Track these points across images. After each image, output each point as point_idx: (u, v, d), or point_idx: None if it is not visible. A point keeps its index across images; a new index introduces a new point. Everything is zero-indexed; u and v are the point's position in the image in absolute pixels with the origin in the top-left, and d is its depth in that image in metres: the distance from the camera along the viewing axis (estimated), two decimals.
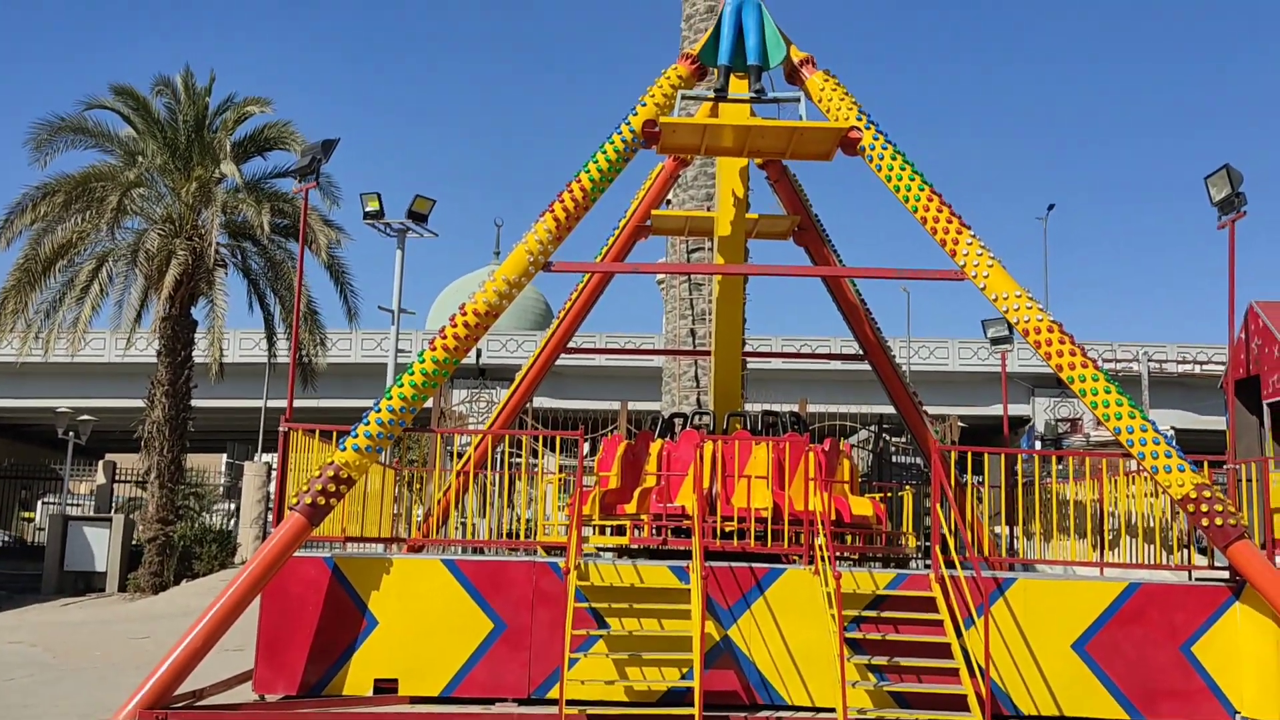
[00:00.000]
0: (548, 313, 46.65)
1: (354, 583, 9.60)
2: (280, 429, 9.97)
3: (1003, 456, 11.28)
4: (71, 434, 28.28)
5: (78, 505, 33.11)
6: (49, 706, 9.04)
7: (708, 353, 15.12)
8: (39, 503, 45.32)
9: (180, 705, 8.78)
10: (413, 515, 12.30)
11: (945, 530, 9.50)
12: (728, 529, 10.29)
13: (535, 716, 8.70)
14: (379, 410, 9.78)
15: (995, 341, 16.19)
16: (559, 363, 15.66)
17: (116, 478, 29.04)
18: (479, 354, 38.67)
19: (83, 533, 23.93)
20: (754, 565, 9.68)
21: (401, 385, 9.88)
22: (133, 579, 22.55)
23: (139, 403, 24.19)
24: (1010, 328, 14.06)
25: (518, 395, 14.37)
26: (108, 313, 23.59)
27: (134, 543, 24.25)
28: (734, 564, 9.68)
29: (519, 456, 14.79)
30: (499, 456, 13.90)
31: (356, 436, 9.66)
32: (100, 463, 29.56)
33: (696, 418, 12.26)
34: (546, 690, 9.31)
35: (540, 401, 25.06)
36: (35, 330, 23.11)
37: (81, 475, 33.42)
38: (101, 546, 23.59)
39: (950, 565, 9.32)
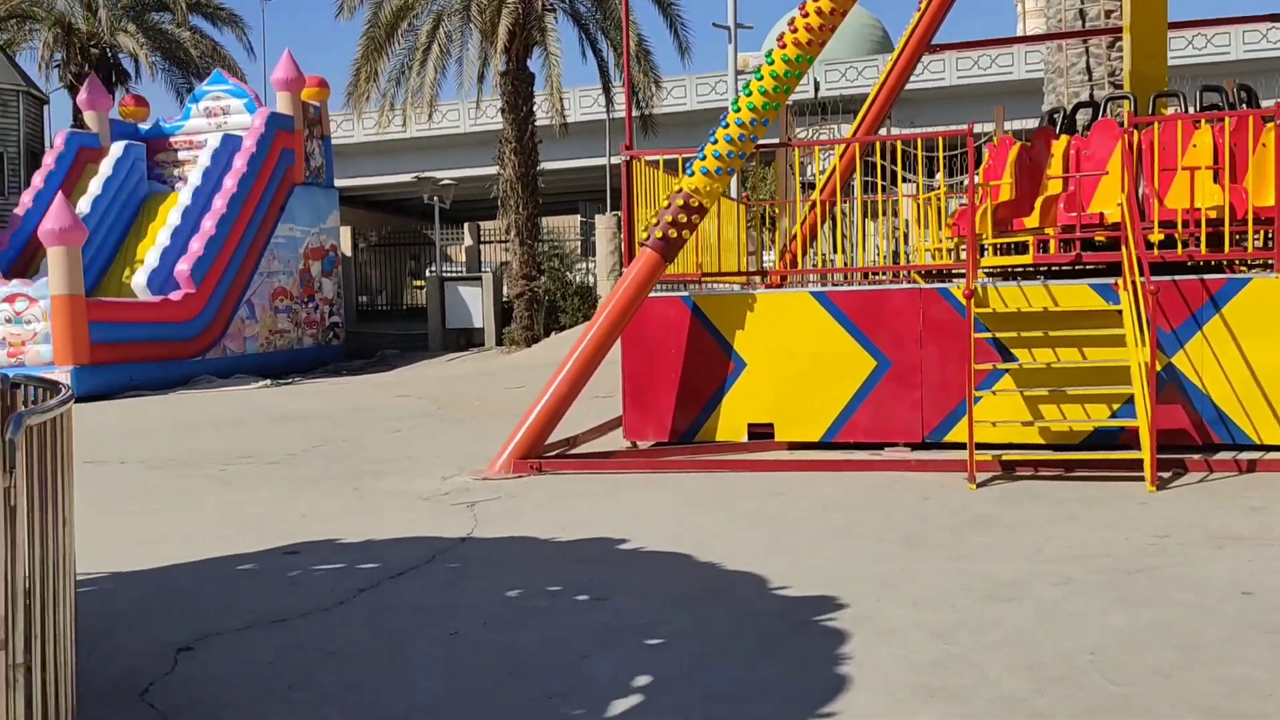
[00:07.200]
0: (885, 40, 42.97)
1: (716, 323, 8.69)
2: (621, 157, 8.99)
3: None
4: (437, 199, 29.62)
5: (457, 267, 35.23)
6: (431, 456, 9.07)
7: (1108, 31, 12.44)
8: (427, 270, 49.12)
9: (553, 455, 8.44)
10: (766, 253, 11.21)
11: None
12: (1160, 237, 8.29)
13: (937, 462, 7.48)
14: (726, 126, 8.51)
15: None
16: (907, 88, 13.54)
17: (481, 239, 30.42)
18: (816, 87, 36.22)
19: (458, 292, 25.36)
20: (1205, 278, 7.72)
21: (750, 94, 8.50)
22: (507, 333, 23.63)
23: (492, 169, 24.61)
24: None
25: (865, 125, 12.59)
26: (454, 82, 23.80)
27: (504, 300, 25.36)
28: (1176, 277, 7.77)
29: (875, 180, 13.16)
30: (851, 186, 12.36)
31: (705, 159, 8.51)
32: (466, 225, 31.07)
33: (1111, 105, 9.93)
34: (944, 434, 8.11)
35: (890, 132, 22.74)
36: (390, 100, 23.75)
37: (450, 240, 35.34)
38: (476, 304, 24.94)
39: None
